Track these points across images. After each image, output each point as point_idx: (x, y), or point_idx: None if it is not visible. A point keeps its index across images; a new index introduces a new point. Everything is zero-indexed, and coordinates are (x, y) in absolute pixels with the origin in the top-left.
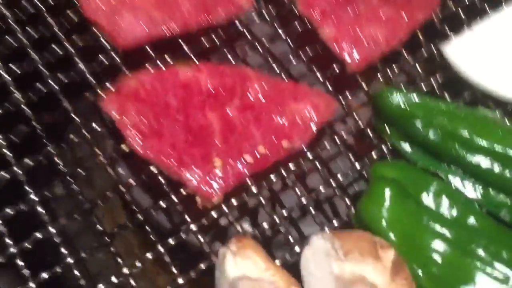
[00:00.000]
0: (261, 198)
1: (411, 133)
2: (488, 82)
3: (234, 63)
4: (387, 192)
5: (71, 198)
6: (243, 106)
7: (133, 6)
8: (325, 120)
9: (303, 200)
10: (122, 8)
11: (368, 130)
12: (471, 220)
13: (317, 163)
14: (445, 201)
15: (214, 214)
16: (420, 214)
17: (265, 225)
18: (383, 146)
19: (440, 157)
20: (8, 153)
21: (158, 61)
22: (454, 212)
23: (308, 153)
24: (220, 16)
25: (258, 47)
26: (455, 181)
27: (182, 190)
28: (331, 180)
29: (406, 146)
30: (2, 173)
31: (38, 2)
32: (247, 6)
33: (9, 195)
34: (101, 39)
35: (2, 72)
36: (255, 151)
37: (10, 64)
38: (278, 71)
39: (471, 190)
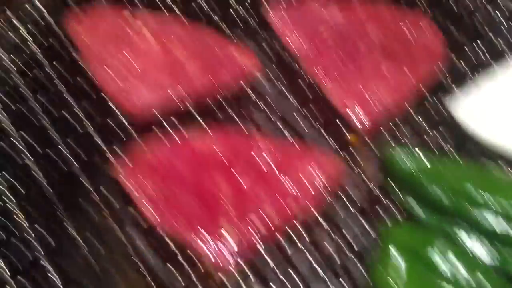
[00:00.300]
0: (272, 263)
1: (424, 196)
2: (495, 136)
3: (241, 124)
4: (402, 258)
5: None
6: (251, 170)
7: (140, 72)
8: (334, 181)
9: (316, 265)
10: (129, 74)
11: (380, 192)
12: (479, 277)
13: (327, 226)
14: (459, 263)
15: (222, 276)
16: (433, 278)
17: None
18: (395, 210)
19: (454, 218)
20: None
21: (166, 125)
22: (469, 274)
23: (319, 216)
24: (226, 78)
25: (265, 107)
26: (470, 242)
27: (192, 256)
28: (343, 244)
29: (420, 210)
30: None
31: (49, 71)
32: (253, 67)
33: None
34: (111, 105)
35: (14, 140)
36: (265, 216)
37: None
38: (285, 131)
39: (485, 254)
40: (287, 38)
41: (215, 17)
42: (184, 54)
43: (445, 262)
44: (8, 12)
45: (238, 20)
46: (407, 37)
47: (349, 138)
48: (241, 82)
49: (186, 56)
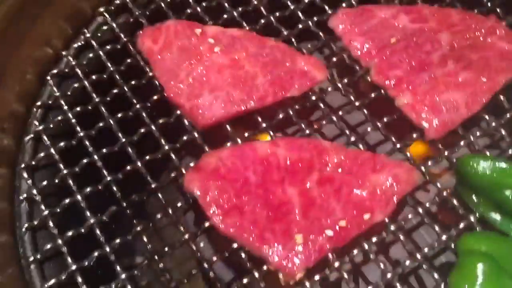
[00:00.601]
0: (344, 273)
1: (500, 202)
2: None
3: (310, 135)
4: (480, 266)
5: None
6: (321, 180)
7: (211, 87)
8: (407, 190)
9: (388, 275)
10: (201, 89)
11: (454, 200)
12: None
13: (400, 235)
14: None
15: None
16: None
17: None
18: (470, 216)
19: None
20: (99, 233)
21: (236, 137)
22: None
23: (391, 225)
24: (296, 90)
25: (334, 118)
26: None
27: (264, 266)
28: (416, 253)
29: (496, 216)
30: (95, 253)
31: (124, 86)
32: (322, 78)
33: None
34: (183, 119)
35: (92, 152)
36: (336, 226)
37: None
38: (355, 141)
39: None
40: (357, 50)
41: (285, 32)
42: (254, 68)
43: None
44: (87, 34)
45: (307, 34)
46: (483, 45)
47: (422, 147)
48: (311, 93)
49: (256, 70)
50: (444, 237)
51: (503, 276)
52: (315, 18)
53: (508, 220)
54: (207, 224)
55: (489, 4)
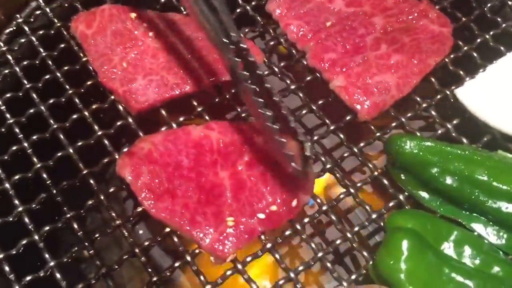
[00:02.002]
0: (276, 255)
1: (427, 180)
2: (504, 123)
3: (246, 119)
4: (405, 243)
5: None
6: (252, 163)
7: (145, 71)
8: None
9: (320, 254)
10: (135, 74)
11: (384, 179)
12: (496, 269)
13: (332, 216)
14: (467, 250)
15: (230, 272)
16: (440, 265)
17: (282, 281)
18: (400, 195)
19: (460, 204)
20: (27, 221)
21: (172, 122)
22: (477, 261)
23: (324, 206)
24: None
25: (270, 103)
26: (477, 228)
27: (196, 250)
28: (348, 233)
29: (424, 194)
30: (24, 241)
31: (56, 71)
32: (259, 62)
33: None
34: (117, 104)
35: (22, 139)
36: (267, 209)
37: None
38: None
39: (494, 237)
40: (293, 34)
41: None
42: (190, 52)
43: (452, 248)
44: (19, 19)
45: (245, 18)
46: (415, 28)
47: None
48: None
49: (191, 54)
50: (374, 216)
51: (428, 252)
52: (253, 3)
53: (435, 198)
54: (139, 209)
55: None
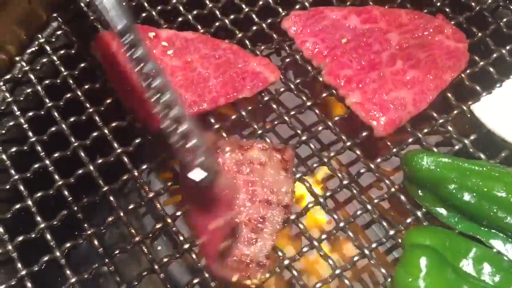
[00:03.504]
0: (294, 271)
1: (445, 197)
2: None
3: (262, 135)
4: (423, 260)
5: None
6: None
7: None
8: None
9: (338, 271)
10: None
11: (401, 195)
12: None
13: (349, 232)
14: (486, 267)
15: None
16: (460, 283)
17: None
18: (417, 211)
19: (478, 220)
20: (49, 237)
21: None
22: (497, 279)
23: (341, 222)
24: (248, 91)
25: (286, 118)
26: (496, 244)
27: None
28: (365, 249)
29: (442, 210)
30: (45, 258)
31: (78, 92)
32: (275, 79)
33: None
34: (136, 122)
35: (44, 157)
36: None
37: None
38: (306, 140)
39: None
40: (309, 51)
41: (238, 34)
42: (207, 70)
43: (471, 266)
44: (41, 39)
45: (261, 36)
46: (430, 43)
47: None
48: (264, 94)
49: (208, 72)
50: (391, 232)
51: (446, 269)
52: (268, 20)
53: (453, 214)
54: (158, 226)
55: (438, 3)
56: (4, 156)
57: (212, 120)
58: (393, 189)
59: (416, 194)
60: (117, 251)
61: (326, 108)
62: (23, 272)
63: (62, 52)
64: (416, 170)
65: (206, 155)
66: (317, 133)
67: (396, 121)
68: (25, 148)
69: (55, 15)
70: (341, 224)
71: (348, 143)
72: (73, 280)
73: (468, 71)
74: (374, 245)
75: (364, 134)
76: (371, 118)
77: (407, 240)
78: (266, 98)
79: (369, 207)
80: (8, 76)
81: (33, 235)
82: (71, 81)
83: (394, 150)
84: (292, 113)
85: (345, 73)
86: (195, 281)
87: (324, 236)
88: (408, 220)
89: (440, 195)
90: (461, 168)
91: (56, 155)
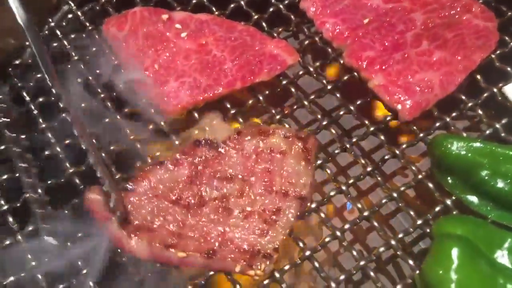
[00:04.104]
0: (315, 262)
1: (476, 184)
2: None
3: (281, 120)
4: (455, 251)
5: None
6: None
7: (178, 73)
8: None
9: (362, 262)
10: (167, 76)
11: (429, 182)
12: None
13: (374, 222)
14: None
15: (265, 281)
16: (494, 275)
17: None
18: (446, 200)
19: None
20: None
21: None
22: None
23: (365, 211)
24: (265, 74)
25: (306, 102)
26: None
27: None
28: (392, 240)
29: (473, 198)
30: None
31: (89, 77)
32: (293, 62)
33: None
34: (150, 107)
35: (57, 147)
36: None
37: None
38: (327, 125)
39: None
40: (329, 32)
41: (255, 16)
42: (222, 53)
43: (506, 257)
44: (52, 23)
45: (278, 17)
46: (458, 23)
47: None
48: (281, 78)
49: (224, 55)
50: (419, 222)
51: (480, 261)
52: (286, 1)
53: (484, 202)
54: None
55: None
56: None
57: (228, 105)
58: (420, 176)
59: (445, 181)
60: None
61: (348, 92)
62: None
63: (72, 36)
64: (445, 156)
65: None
66: (338, 118)
67: (422, 105)
68: (36, 134)
69: None
70: (365, 213)
71: (372, 128)
72: None
73: (498, 52)
74: (400, 235)
75: (388, 118)
76: (395, 101)
77: (437, 230)
78: (284, 82)
79: (394, 195)
80: (17, 61)
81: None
82: (82, 66)
83: (421, 135)
84: (312, 97)
85: (367, 55)
86: None
87: (347, 226)
88: (437, 209)
89: (471, 182)
90: (494, 153)
91: (67, 141)
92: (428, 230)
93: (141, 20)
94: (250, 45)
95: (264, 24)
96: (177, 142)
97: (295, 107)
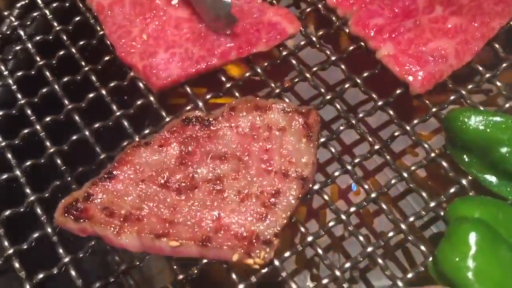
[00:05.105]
0: (318, 249)
1: (496, 162)
2: None
3: (280, 94)
4: (472, 235)
5: None
6: None
7: (168, 44)
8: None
9: (369, 248)
10: (156, 47)
11: (443, 161)
12: None
13: (382, 204)
14: None
15: (266, 269)
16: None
17: (326, 280)
18: (462, 179)
19: None
20: (39, 212)
21: (197, 100)
22: None
23: (372, 193)
24: (264, 44)
25: (308, 75)
26: None
27: None
28: (401, 224)
29: (492, 178)
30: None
31: (72, 49)
32: (294, 31)
33: None
34: (138, 81)
35: (34, 122)
36: None
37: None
38: (330, 100)
39: None
40: None
41: None
42: None
43: None
44: None
45: None
46: None
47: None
48: (281, 48)
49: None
50: (432, 204)
51: (500, 246)
52: None
53: (504, 182)
54: None
55: None
56: None
57: (223, 78)
58: (432, 154)
59: (461, 159)
60: None
61: (353, 64)
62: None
63: (55, 5)
64: (461, 131)
65: None
66: (343, 91)
67: (436, 76)
68: (14, 112)
69: None
70: (373, 195)
71: (380, 103)
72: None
73: None
74: (411, 219)
75: (398, 91)
76: (406, 72)
77: (452, 213)
78: (284, 53)
79: (405, 175)
80: None
81: (22, 209)
82: (64, 37)
83: (433, 110)
84: (314, 69)
85: (375, 22)
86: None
87: (352, 209)
88: (452, 190)
89: (490, 160)
90: None
91: (47, 119)
92: (441, 213)
93: None
94: (247, 12)
95: None
96: (167, 119)
97: (296, 80)
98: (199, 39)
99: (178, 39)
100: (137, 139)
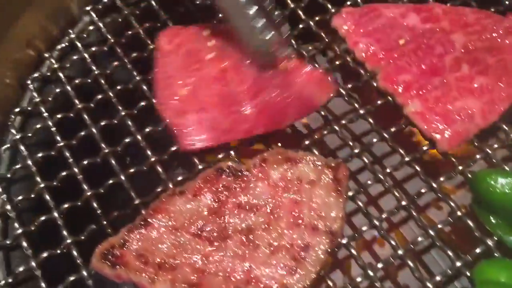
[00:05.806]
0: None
1: None
2: None
3: (309, 146)
4: None
5: None
6: None
7: (199, 105)
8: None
9: None
10: (189, 105)
11: (469, 220)
12: None
13: (408, 260)
14: None
15: None
16: None
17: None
18: (488, 240)
19: None
20: (76, 254)
21: (229, 150)
22: None
23: (399, 250)
24: (292, 119)
25: (336, 127)
26: None
27: None
28: (428, 282)
29: None
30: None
31: (109, 91)
32: (327, 99)
33: None
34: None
35: (72, 164)
36: None
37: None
38: (359, 153)
39: None
40: (362, 52)
41: None
42: (241, 87)
43: None
44: (72, 35)
45: (308, 35)
46: (500, 47)
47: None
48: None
49: (243, 92)
50: (458, 264)
51: None
52: (316, 18)
53: None
54: None
55: (507, 1)
56: (29, 162)
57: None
58: (459, 213)
59: (487, 220)
60: None
61: (381, 117)
62: None
63: (94, 49)
64: (488, 193)
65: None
66: (371, 144)
67: (463, 135)
68: (53, 153)
69: (87, 8)
70: (400, 252)
71: (407, 158)
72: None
73: None
74: (438, 278)
75: (425, 148)
76: (433, 130)
77: (479, 275)
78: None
79: (431, 232)
80: (36, 74)
81: (59, 251)
82: (102, 81)
83: (460, 167)
84: (343, 121)
85: (403, 78)
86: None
87: (380, 265)
88: (477, 250)
89: None
90: None
91: (85, 162)
92: (467, 273)
93: (190, 36)
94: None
95: (293, 41)
96: (200, 167)
97: (325, 132)
98: (226, 107)
99: (207, 101)
100: (171, 186)
